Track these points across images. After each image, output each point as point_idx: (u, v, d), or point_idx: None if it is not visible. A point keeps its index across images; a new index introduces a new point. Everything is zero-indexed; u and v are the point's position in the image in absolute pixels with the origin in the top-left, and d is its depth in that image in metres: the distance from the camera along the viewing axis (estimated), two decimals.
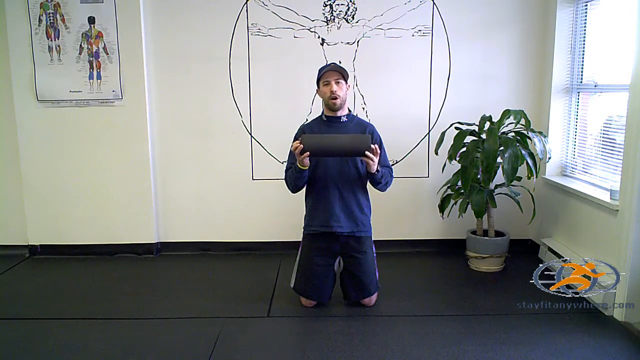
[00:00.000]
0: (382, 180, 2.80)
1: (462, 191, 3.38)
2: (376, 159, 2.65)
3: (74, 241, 3.89)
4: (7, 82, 3.71)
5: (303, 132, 2.87)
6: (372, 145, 2.61)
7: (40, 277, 3.53)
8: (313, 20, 3.67)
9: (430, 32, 3.68)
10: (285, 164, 2.95)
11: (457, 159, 3.34)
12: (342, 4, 3.64)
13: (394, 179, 2.96)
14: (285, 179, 2.88)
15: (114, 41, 3.65)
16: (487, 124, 3.34)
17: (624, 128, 2.78)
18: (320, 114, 2.93)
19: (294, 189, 2.86)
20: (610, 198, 2.90)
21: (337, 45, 3.69)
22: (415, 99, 3.77)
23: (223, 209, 3.90)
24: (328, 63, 2.90)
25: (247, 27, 3.68)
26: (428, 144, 3.82)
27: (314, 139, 2.65)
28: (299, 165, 2.70)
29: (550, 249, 3.53)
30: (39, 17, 3.62)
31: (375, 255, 2.94)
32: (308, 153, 2.61)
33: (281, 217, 3.86)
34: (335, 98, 2.77)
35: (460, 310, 2.89)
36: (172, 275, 3.55)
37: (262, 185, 3.86)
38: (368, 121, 3.16)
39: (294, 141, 2.87)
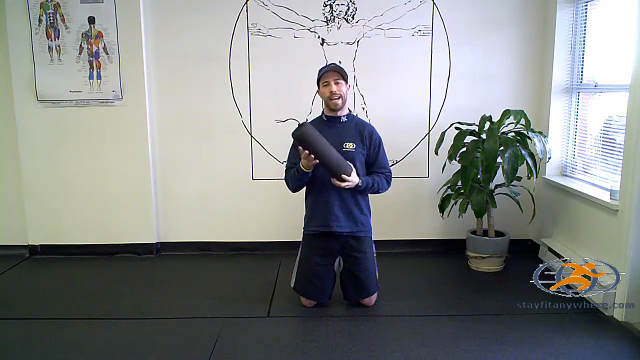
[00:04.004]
0: (366, 192, 2.82)
1: (462, 191, 3.38)
2: (343, 185, 2.67)
3: (74, 241, 3.89)
4: (7, 82, 3.71)
5: None
6: (347, 177, 2.65)
7: (40, 277, 3.53)
8: (313, 20, 3.67)
9: (430, 32, 3.68)
10: (286, 163, 2.95)
11: (457, 159, 3.34)
12: (342, 4, 3.64)
13: (393, 179, 2.96)
14: (286, 178, 2.88)
15: (114, 41, 3.65)
16: (487, 124, 3.34)
17: (624, 128, 2.78)
18: (320, 114, 2.93)
19: (295, 189, 2.87)
20: (610, 198, 2.90)
21: (337, 45, 3.69)
22: (415, 99, 3.77)
23: (223, 209, 3.90)
24: (327, 64, 2.90)
25: (247, 27, 3.68)
26: (428, 144, 3.82)
27: (314, 133, 2.63)
28: (302, 167, 2.70)
29: (550, 249, 3.53)
30: (39, 17, 3.62)
31: (375, 255, 2.94)
32: (313, 157, 2.61)
33: (281, 217, 3.86)
34: (336, 98, 2.77)
35: (461, 310, 2.89)
36: (172, 275, 3.55)
37: (262, 185, 3.86)
38: (368, 121, 3.16)
39: (293, 141, 2.88)
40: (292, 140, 2.88)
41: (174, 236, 3.95)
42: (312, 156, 2.62)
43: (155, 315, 2.89)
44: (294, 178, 2.78)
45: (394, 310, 2.90)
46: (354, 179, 2.69)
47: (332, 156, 2.64)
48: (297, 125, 2.62)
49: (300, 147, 2.64)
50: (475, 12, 3.66)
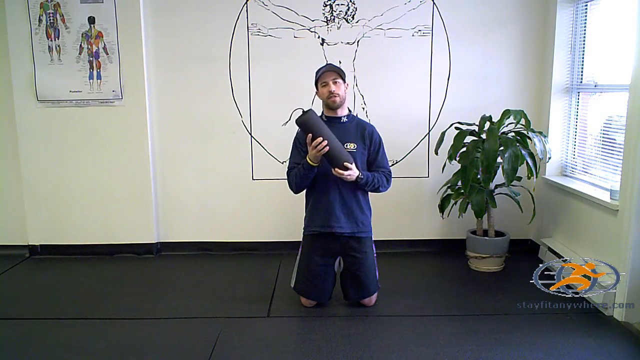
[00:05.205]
0: (366, 187, 2.80)
1: (462, 191, 3.38)
2: (345, 174, 2.66)
3: (74, 241, 3.89)
4: (7, 82, 3.71)
5: None
6: (349, 165, 2.65)
7: (40, 277, 3.53)
8: (313, 20, 3.67)
9: (430, 32, 3.68)
10: (287, 164, 2.94)
11: (457, 159, 3.34)
12: (342, 4, 3.64)
13: (393, 179, 2.96)
14: (289, 179, 2.86)
15: (114, 41, 3.65)
16: (487, 124, 3.34)
17: (624, 128, 2.78)
18: (320, 114, 2.92)
19: (298, 188, 2.84)
20: (610, 198, 2.90)
21: (337, 45, 3.69)
22: (415, 99, 3.77)
23: (223, 209, 3.90)
24: (324, 64, 2.90)
25: (247, 27, 3.68)
26: (428, 144, 3.82)
27: (317, 119, 2.64)
28: (309, 161, 2.68)
29: (550, 249, 3.53)
30: (39, 17, 3.62)
31: (375, 255, 2.94)
32: (326, 143, 2.58)
33: (281, 217, 3.86)
34: (334, 97, 2.77)
35: (460, 310, 2.89)
36: (172, 275, 3.55)
37: (262, 185, 3.86)
38: (368, 121, 3.16)
39: (294, 141, 2.88)
40: (293, 140, 2.90)
41: (174, 236, 3.95)
42: (325, 142, 2.58)
43: (155, 315, 2.89)
44: (299, 175, 2.76)
45: (394, 310, 2.90)
46: (355, 170, 2.69)
47: (335, 144, 2.64)
48: (301, 112, 2.63)
49: (308, 138, 2.62)
50: (475, 12, 3.66)
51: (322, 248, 2.85)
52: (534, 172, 3.25)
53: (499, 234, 3.53)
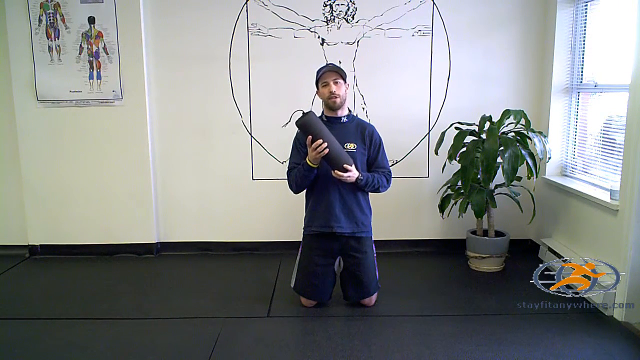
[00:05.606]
0: (366, 188, 2.80)
1: (462, 191, 3.38)
2: (345, 176, 2.66)
3: (74, 241, 3.89)
4: (7, 82, 3.71)
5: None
6: (349, 167, 2.66)
7: (40, 277, 3.53)
8: (313, 20, 3.67)
9: (430, 32, 3.68)
10: (287, 164, 2.94)
11: (457, 159, 3.34)
12: (342, 4, 3.64)
13: (393, 179, 2.96)
14: (289, 179, 2.87)
15: (114, 41, 3.65)
16: (487, 124, 3.35)
17: (624, 128, 2.78)
18: (320, 114, 2.92)
19: (298, 189, 2.85)
20: (610, 198, 2.90)
21: (337, 45, 3.69)
22: (415, 99, 3.77)
23: (223, 209, 3.91)
24: (325, 64, 2.90)
25: (247, 27, 3.68)
26: (428, 144, 3.82)
27: (317, 121, 2.64)
28: (309, 162, 2.68)
29: (550, 249, 3.53)
30: (39, 17, 3.62)
31: (375, 255, 2.94)
32: (326, 145, 2.59)
33: (281, 217, 3.86)
34: (335, 97, 2.77)
35: (460, 310, 2.89)
36: (172, 275, 3.55)
37: (262, 185, 3.86)
38: (368, 121, 3.16)
39: (294, 141, 2.88)
40: (293, 140, 2.90)
41: (174, 236, 3.95)
42: (325, 144, 2.58)
43: (155, 315, 2.89)
44: (299, 176, 2.76)
45: (394, 310, 2.90)
46: (354, 172, 2.69)
47: (335, 145, 2.64)
48: (301, 114, 2.63)
49: (308, 139, 2.62)
50: (475, 12, 3.66)
51: (323, 248, 2.85)
52: (534, 172, 3.25)
53: (499, 234, 3.53)
